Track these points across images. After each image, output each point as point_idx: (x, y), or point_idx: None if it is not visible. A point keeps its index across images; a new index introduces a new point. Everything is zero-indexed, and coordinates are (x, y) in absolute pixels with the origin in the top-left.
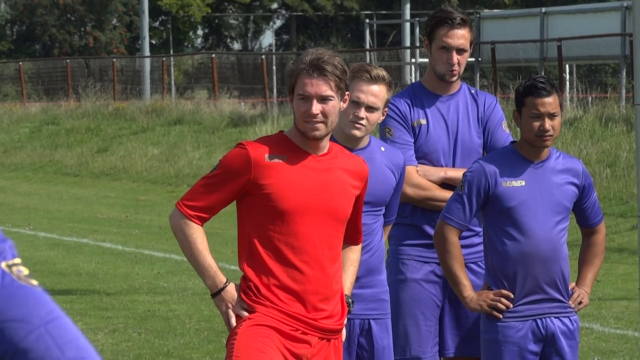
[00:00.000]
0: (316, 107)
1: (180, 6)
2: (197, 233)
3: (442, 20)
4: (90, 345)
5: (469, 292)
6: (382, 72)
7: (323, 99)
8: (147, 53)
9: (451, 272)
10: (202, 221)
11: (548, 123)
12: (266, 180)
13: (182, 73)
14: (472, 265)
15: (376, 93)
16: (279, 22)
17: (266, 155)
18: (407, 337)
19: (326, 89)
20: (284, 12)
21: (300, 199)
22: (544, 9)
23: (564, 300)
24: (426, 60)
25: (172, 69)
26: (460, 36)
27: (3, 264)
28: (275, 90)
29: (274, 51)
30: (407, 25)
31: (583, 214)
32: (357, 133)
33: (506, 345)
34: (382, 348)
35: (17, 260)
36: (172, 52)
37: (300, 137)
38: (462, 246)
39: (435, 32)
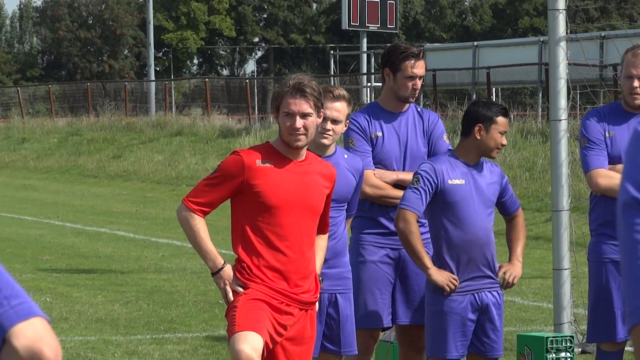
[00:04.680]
0: (299, 122)
1: (179, 40)
2: (200, 224)
3: (408, 55)
4: (23, 290)
5: (432, 265)
6: (342, 92)
7: (304, 116)
8: (153, 78)
9: (415, 250)
10: (204, 214)
11: (504, 142)
12: (257, 181)
13: (181, 94)
14: None
15: (338, 109)
16: (259, 53)
17: (257, 161)
18: (366, 308)
19: (307, 107)
20: (264, 44)
21: (284, 196)
22: (475, 43)
23: (494, 277)
24: (379, 84)
25: (173, 91)
26: (423, 66)
27: None
28: (256, 108)
29: (255, 77)
30: (365, 55)
31: (504, 205)
32: (325, 142)
33: (451, 315)
34: (347, 316)
35: None
36: (172, 77)
37: (284, 146)
38: None
39: (401, 64)
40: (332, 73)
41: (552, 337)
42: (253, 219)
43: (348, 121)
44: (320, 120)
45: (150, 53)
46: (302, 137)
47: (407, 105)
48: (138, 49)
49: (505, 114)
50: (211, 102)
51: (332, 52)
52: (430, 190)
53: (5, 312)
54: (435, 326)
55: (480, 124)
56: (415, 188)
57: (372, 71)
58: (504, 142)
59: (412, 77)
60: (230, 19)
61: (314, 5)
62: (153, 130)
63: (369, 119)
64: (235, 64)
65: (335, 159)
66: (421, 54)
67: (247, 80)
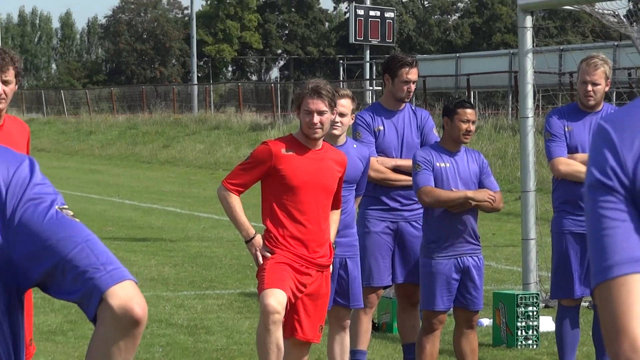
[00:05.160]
0: (316, 119)
1: (217, 51)
2: (236, 201)
3: (404, 63)
4: (115, 257)
5: (468, 190)
6: (347, 91)
7: (321, 113)
8: (195, 82)
9: (449, 199)
10: (239, 193)
11: (471, 126)
12: (282, 166)
13: (218, 95)
14: (413, 223)
15: (344, 104)
16: (282, 62)
17: (282, 150)
18: (370, 270)
19: (323, 106)
20: (285, 55)
21: (304, 178)
22: (457, 54)
23: (475, 244)
24: (379, 87)
25: (212, 93)
26: (415, 72)
27: (57, 207)
28: (279, 107)
29: (279, 82)
30: (367, 65)
31: (483, 186)
32: (335, 132)
33: (438, 275)
34: (355, 277)
35: (66, 206)
36: (211, 82)
37: (304, 138)
38: (406, 210)
39: (398, 71)
40: (341, 79)
41: (521, 294)
42: (279, 197)
43: (354, 115)
44: (334, 117)
45: (193, 62)
46: (319, 131)
47: (404, 104)
48: (183, 58)
49: (464, 106)
50: (243, 102)
51: (341, 61)
52: (430, 170)
53: (102, 276)
54: (426, 284)
55: (446, 117)
56: (419, 172)
57: (374, 77)
58: (470, 128)
59: (407, 82)
60: (259, 34)
61: (327, 24)
62: (196, 124)
63: (372, 116)
64: (262, 71)
65: (346, 148)
66: (414, 62)
67: (272, 85)
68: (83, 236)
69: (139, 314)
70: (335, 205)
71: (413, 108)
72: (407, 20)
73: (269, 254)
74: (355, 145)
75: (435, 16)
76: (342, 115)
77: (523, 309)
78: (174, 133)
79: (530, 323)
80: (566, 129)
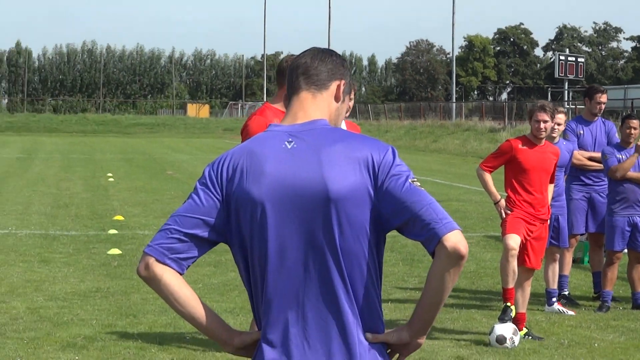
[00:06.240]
0: (542, 125)
1: (467, 81)
2: (488, 177)
3: (598, 90)
4: (447, 213)
5: (634, 174)
6: (562, 109)
7: (545, 122)
8: (454, 101)
9: (633, 176)
10: (490, 172)
11: (633, 131)
12: (519, 155)
13: (468, 109)
14: (601, 194)
15: (560, 117)
16: (509, 89)
17: (519, 145)
18: (572, 223)
19: (546, 117)
20: (511, 84)
21: (533, 164)
22: (625, 86)
23: None
24: (573, 107)
25: (464, 107)
26: (605, 97)
27: (410, 180)
28: (507, 117)
29: (507, 101)
30: (565, 92)
31: None
32: (554, 135)
33: (616, 228)
34: (563, 227)
35: (415, 179)
36: (463, 101)
37: (533, 137)
38: (597, 185)
39: (594, 95)
40: (549, 101)
41: None
42: (516, 175)
43: (565, 124)
44: (553, 125)
45: (452, 88)
46: (543, 133)
47: (597, 117)
48: (446, 85)
49: (631, 117)
50: (485, 113)
51: (548, 89)
52: (615, 158)
53: (440, 227)
54: (608, 233)
55: (620, 125)
56: (608, 159)
57: (570, 100)
58: (632, 132)
59: (600, 103)
60: (494, 71)
61: (538, 65)
62: (454, 127)
63: (576, 124)
64: (496, 94)
65: (559, 144)
66: (605, 90)
67: (504, 103)
68: (427, 200)
69: (463, 251)
70: (551, 180)
71: (603, 120)
72: (591, 63)
73: (509, 212)
74: (564, 143)
75: (609, 61)
76: (558, 124)
77: None
78: (440, 132)
79: None
80: None
